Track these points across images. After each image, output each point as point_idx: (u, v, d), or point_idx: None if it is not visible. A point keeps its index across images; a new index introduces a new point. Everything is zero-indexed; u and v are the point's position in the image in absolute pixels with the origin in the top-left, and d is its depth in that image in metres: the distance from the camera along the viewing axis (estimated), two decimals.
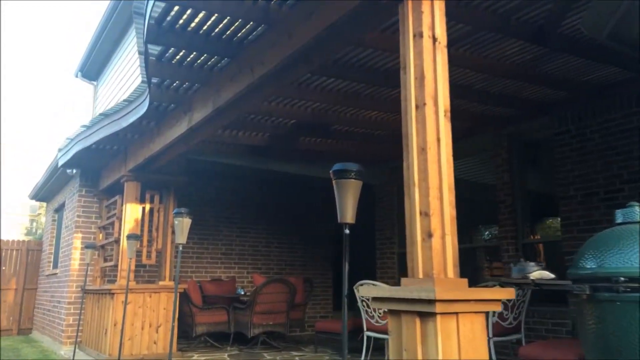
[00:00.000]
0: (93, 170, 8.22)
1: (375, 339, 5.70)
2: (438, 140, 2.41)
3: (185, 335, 7.67)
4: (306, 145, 7.52)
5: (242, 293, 8.28)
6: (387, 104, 5.94)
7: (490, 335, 5.00)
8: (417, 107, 2.46)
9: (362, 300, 5.42)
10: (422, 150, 2.39)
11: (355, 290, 5.52)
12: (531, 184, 7.10)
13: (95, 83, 12.59)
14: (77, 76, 12.49)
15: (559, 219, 6.34)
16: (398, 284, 6.63)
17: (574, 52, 4.53)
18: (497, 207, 7.07)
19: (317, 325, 7.24)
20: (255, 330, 7.33)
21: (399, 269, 8.73)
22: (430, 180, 2.35)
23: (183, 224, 3.74)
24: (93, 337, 7.13)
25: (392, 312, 2.33)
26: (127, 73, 9.73)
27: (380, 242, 8.99)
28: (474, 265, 8.37)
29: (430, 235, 2.29)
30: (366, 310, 5.41)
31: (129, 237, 5.56)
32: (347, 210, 1.98)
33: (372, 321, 5.34)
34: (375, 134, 7.33)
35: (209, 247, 9.35)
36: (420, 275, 2.29)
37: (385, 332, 5.26)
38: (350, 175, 1.98)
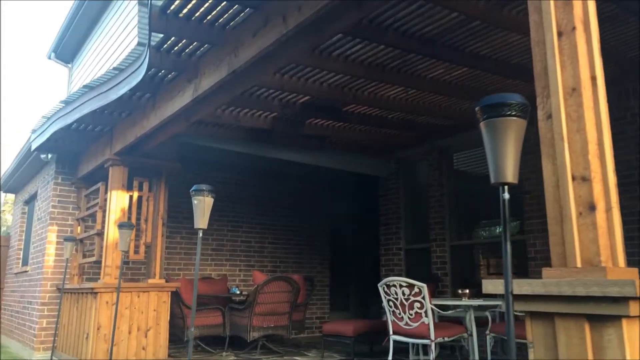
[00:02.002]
0: (71, 155, 7.35)
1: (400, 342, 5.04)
2: (593, 78, 1.76)
3: (175, 339, 6.87)
4: (312, 130, 6.83)
5: (238, 292, 7.53)
6: (414, 78, 5.31)
7: None
8: (560, 34, 1.80)
9: (389, 300, 4.76)
10: (573, 91, 1.73)
11: (381, 289, 4.86)
12: None
13: (70, 65, 11.62)
14: (50, 58, 11.49)
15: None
16: None
17: None
18: (522, 199, 6.52)
19: (325, 328, 6.54)
20: (254, 333, 6.59)
21: (406, 265, 8.11)
22: (588, 131, 1.69)
23: (204, 205, 3.02)
24: (71, 342, 6.28)
25: (536, 316, 1.67)
26: (107, 53, 8.85)
27: (386, 237, 8.35)
28: (473, 263, 7.82)
29: (592, 208, 1.64)
30: (393, 311, 4.75)
31: (122, 225, 4.76)
32: (506, 164, 1.32)
33: (401, 324, 4.68)
34: (389, 118, 6.70)
35: None
36: (578, 264, 1.63)
37: (417, 337, 4.61)
38: (511, 110, 1.32)
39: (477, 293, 5.43)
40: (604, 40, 4.62)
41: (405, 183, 8.37)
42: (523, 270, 6.59)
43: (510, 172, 1.32)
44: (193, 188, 3.08)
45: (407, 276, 7.89)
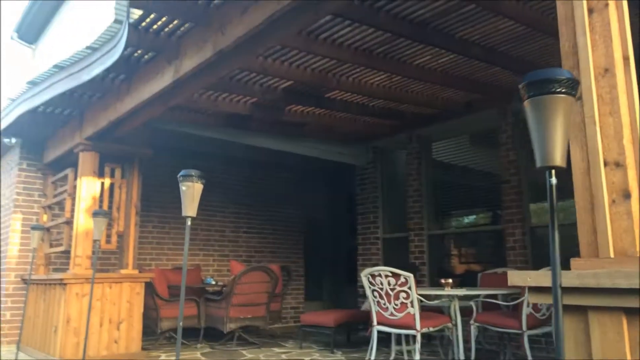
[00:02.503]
0: (37, 139, 6.98)
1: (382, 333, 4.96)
2: (626, 58, 1.66)
3: (148, 331, 6.64)
4: (292, 116, 6.66)
5: (213, 283, 7.33)
6: (400, 65, 5.20)
7: (524, 329, 4.39)
8: (591, 10, 1.70)
9: (374, 290, 4.67)
10: (606, 71, 1.64)
11: (365, 279, 4.77)
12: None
13: (33, 47, 11.08)
14: (12, 38, 10.92)
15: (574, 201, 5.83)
16: None
17: None
18: (500, 189, 6.52)
19: (304, 318, 6.43)
20: (231, 324, 6.42)
21: (383, 256, 8.06)
22: (622, 115, 1.60)
23: (194, 191, 2.84)
24: (37, 336, 5.99)
25: (566, 309, 1.57)
26: (74, 32, 8.43)
27: (363, 226, 8.27)
28: (449, 252, 7.83)
29: (627, 196, 1.55)
30: (378, 302, 4.67)
31: (96, 213, 4.51)
32: (555, 145, 1.21)
33: (386, 314, 4.60)
34: (370, 105, 6.59)
35: (171, 231, 8.30)
36: (611, 254, 1.54)
37: (402, 327, 4.54)
38: (560, 87, 1.20)
39: (461, 283, 5.41)
40: None
41: (383, 172, 8.30)
42: (501, 259, 6.61)
43: (558, 154, 1.21)
44: (181, 173, 2.89)
45: (385, 265, 7.84)
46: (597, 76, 1.65)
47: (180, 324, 2.67)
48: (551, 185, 1.24)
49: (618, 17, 1.68)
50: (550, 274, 1.55)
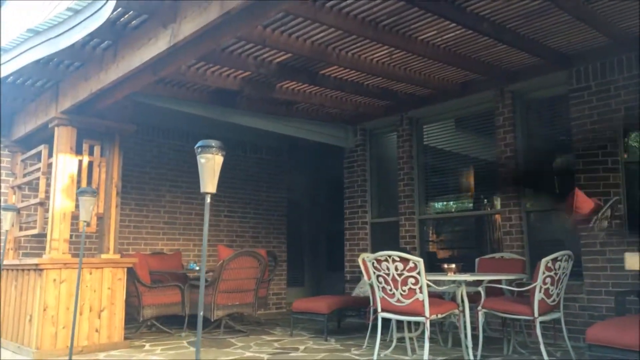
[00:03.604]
0: (4, 114, 6.43)
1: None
2: None
3: (130, 319, 6.24)
4: (282, 94, 6.34)
5: (197, 268, 6.99)
6: (404, 39, 4.94)
7: (536, 315, 4.24)
8: None
9: (379, 276, 4.43)
10: None
11: (370, 264, 4.52)
12: (537, 147, 6.44)
13: None
14: None
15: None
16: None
17: None
18: (497, 172, 6.37)
19: (295, 305, 6.18)
20: (218, 312, 6.11)
21: (372, 240, 7.85)
22: None
23: (214, 164, 2.52)
24: (9, 326, 5.54)
25: None
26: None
27: (351, 211, 8.03)
28: (434, 237, 7.70)
29: None
30: (383, 288, 4.43)
31: (83, 192, 4.09)
32: None
33: (392, 300, 4.37)
34: (365, 84, 6.32)
35: (149, 214, 7.89)
36: None
37: (410, 314, 4.33)
38: None
39: (463, 268, 5.24)
40: (598, 11, 4.45)
41: (372, 155, 8.06)
42: (495, 244, 6.50)
43: None
44: (199, 144, 2.56)
45: (373, 250, 7.64)
46: None
47: (201, 313, 2.36)
48: None
49: None
50: None
